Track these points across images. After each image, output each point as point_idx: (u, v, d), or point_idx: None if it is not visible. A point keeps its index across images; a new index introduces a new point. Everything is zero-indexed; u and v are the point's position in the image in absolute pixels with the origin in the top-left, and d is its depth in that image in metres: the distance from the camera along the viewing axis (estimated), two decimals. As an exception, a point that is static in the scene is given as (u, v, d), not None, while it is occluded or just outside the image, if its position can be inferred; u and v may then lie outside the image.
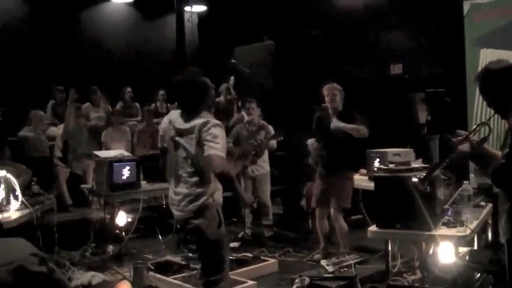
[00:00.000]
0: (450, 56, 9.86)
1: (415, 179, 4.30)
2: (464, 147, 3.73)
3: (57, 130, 9.58)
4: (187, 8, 12.03)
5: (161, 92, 11.42)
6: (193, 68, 4.35)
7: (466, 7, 9.50)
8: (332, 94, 6.72)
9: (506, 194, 3.57)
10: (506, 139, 3.47)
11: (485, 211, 5.05)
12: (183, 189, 4.24)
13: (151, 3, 12.68)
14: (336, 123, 6.61)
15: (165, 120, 4.48)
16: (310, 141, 7.27)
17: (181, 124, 4.24)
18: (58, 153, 9.10)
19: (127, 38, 12.83)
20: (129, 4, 13.02)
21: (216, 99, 11.46)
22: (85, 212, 8.34)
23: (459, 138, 3.73)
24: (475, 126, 3.95)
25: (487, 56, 9.28)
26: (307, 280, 5.52)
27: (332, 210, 6.74)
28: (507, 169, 3.41)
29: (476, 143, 3.71)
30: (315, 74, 11.09)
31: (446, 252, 4.59)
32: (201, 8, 12.57)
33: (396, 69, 10.93)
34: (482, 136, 3.84)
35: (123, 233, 7.41)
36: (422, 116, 10.24)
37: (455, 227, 4.39)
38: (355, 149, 6.90)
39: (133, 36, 12.92)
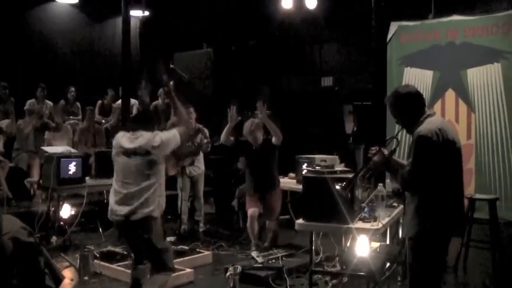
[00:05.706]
0: (378, 72, 10.61)
1: (338, 187, 4.95)
2: (378, 158, 4.39)
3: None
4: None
5: (110, 93, 11.86)
6: None
7: (394, 28, 10.28)
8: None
9: (412, 196, 4.24)
10: (410, 150, 4.15)
11: (396, 210, 5.73)
12: None
13: (96, 5, 12.93)
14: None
15: None
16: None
17: None
18: (0, 147, 9.29)
19: (72, 38, 12.99)
20: (73, 6, 13.14)
21: (155, 102, 11.93)
22: (27, 205, 8.61)
23: (372, 150, 4.39)
24: (387, 140, 4.63)
25: (410, 74, 10.12)
26: (239, 268, 6.09)
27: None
28: (412, 175, 4.09)
29: (387, 154, 4.38)
30: (250, 83, 11.69)
31: (362, 245, 5.24)
32: (139, 13, 12.98)
33: (327, 81, 11.60)
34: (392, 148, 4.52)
35: (66, 226, 7.80)
36: (349, 127, 10.89)
37: (370, 222, 5.07)
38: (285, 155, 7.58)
39: (79, 37, 13.14)
